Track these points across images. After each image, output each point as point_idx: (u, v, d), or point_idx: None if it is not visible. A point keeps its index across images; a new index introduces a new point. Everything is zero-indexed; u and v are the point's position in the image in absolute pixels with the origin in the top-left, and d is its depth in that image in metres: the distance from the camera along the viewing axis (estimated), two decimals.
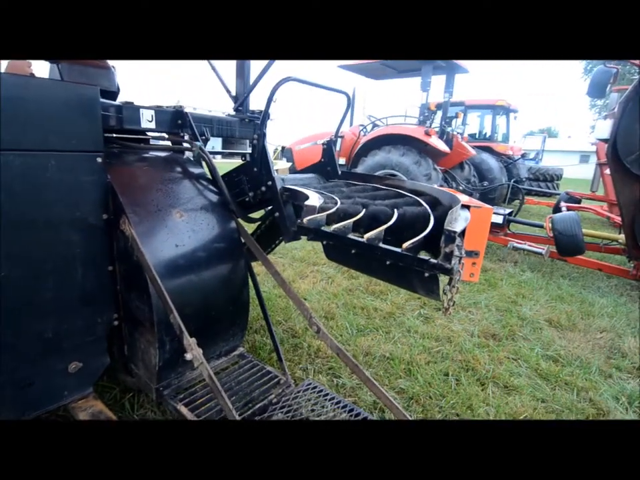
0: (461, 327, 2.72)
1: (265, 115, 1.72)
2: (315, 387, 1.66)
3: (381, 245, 1.11)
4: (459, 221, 1.09)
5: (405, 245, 1.03)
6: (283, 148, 6.34)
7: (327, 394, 1.63)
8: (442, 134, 5.29)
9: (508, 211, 4.53)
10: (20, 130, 1.20)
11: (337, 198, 1.45)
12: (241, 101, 2.30)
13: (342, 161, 5.71)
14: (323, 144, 2.14)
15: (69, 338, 1.46)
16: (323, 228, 1.37)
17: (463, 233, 1.12)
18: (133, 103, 1.73)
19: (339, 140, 5.71)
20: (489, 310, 3.06)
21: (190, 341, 1.27)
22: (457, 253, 1.00)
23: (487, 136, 9.24)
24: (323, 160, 2.17)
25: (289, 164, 6.23)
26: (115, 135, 1.68)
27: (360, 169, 4.84)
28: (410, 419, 1.34)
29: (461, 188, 5.29)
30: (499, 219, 4.28)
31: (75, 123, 1.33)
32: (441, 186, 4.47)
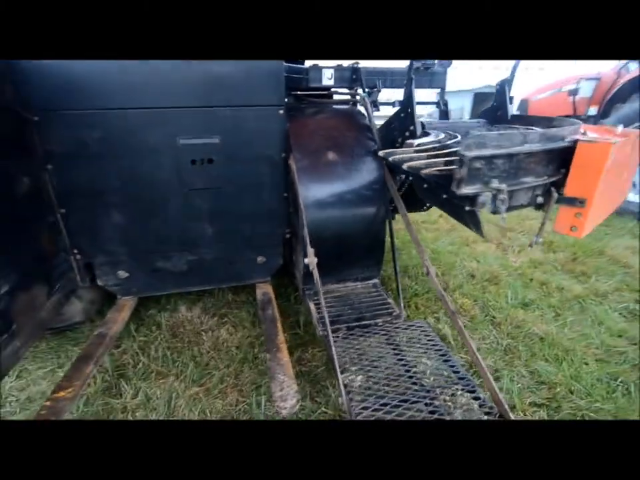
0: None
1: (411, 65, 1.76)
2: (424, 329, 1.73)
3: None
4: (498, 145, 0.89)
5: (425, 170, 0.97)
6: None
7: (433, 339, 1.67)
8: None
9: None
10: (232, 93, 1.81)
11: (459, 136, 1.39)
12: None
13: (593, 110, 4.45)
14: (497, 85, 1.92)
15: (258, 239, 2.14)
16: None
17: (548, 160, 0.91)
18: (317, 64, 2.14)
19: (595, 83, 4.43)
20: None
21: (309, 250, 1.64)
22: (493, 184, 0.86)
23: None
24: (494, 103, 1.96)
25: None
26: (300, 92, 2.15)
27: (610, 121, 3.66)
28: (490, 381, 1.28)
29: None
30: None
31: (266, 86, 1.85)
32: None
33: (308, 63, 2.29)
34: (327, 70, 2.14)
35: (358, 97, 2.13)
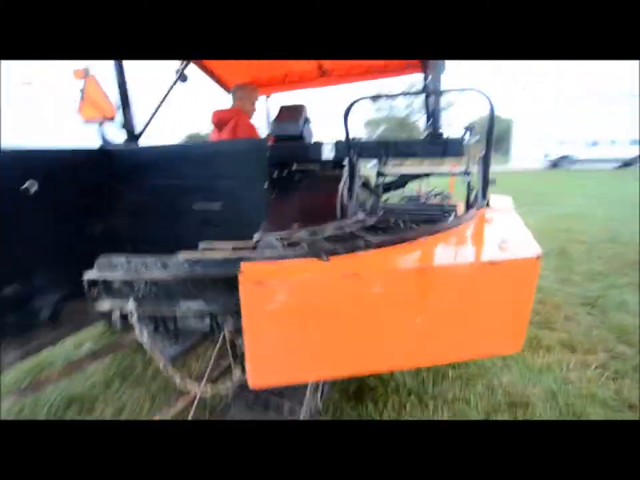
0: None
1: (347, 137, 1.81)
2: None
3: None
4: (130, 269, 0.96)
5: None
6: None
7: None
8: None
9: None
10: (229, 169, 1.97)
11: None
12: (429, 120, 2.31)
13: None
14: None
15: None
16: None
17: None
18: (319, 141, 2.33)
19: None
20: None
21: None
22: (128, 304, 0.95)
23: None
24: None
25: None
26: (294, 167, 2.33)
27: None
28: None
29: None
30: None
31: (250, 162, 1.94)
32: None
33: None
34: (327, 145, 2.24)
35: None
